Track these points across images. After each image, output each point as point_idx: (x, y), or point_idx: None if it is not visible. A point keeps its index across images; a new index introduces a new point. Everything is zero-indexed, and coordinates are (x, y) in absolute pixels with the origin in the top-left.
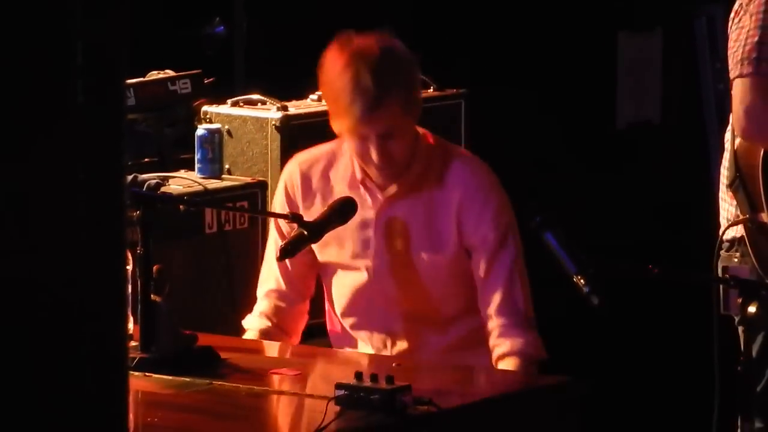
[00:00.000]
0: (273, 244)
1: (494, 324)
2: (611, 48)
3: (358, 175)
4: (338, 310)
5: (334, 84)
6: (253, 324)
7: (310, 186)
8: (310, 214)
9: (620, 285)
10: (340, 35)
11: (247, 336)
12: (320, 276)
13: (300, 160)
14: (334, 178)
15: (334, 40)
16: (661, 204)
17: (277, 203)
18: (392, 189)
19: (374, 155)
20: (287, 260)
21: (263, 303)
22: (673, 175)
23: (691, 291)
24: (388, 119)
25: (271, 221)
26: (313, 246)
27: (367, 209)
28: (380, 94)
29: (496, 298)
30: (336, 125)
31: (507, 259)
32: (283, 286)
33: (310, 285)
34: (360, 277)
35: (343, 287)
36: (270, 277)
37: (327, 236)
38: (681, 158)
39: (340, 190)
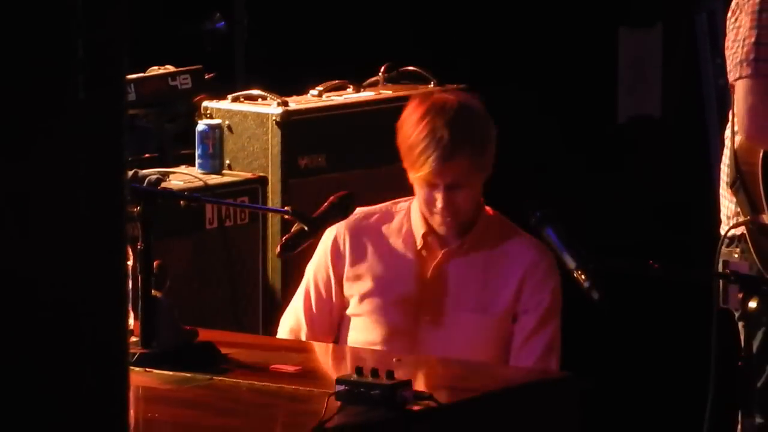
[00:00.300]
0: (302, 293)
1: None
2: (612, 43)
3: (421, 230)
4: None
5: (410, 133)
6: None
7: (361, 239)
8: (359, 269)
9: (620, 281)
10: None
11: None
12: (341, 323)
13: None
14: (387, 232)
15: (413, 97)
16: (661, 199)
17: (320, 253)
18: (452, 246)
19: (439, 203)
20: (313, 305)
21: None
22: (673, 170)
23: (690, 287)
24: (457, 171)
25: (309, 279)
26: (352, 295)
27: (421, 265)
28: (453, 147)
29: (530, 360)
30: (411, 174)
31: (550, 330)
32: (304, 337)
33: (332, 333)
34: (398, 329)
35: (373, 335)
36: (294, 322)
37: (371, 286)
38: (681, 153)
39: (395, 243)
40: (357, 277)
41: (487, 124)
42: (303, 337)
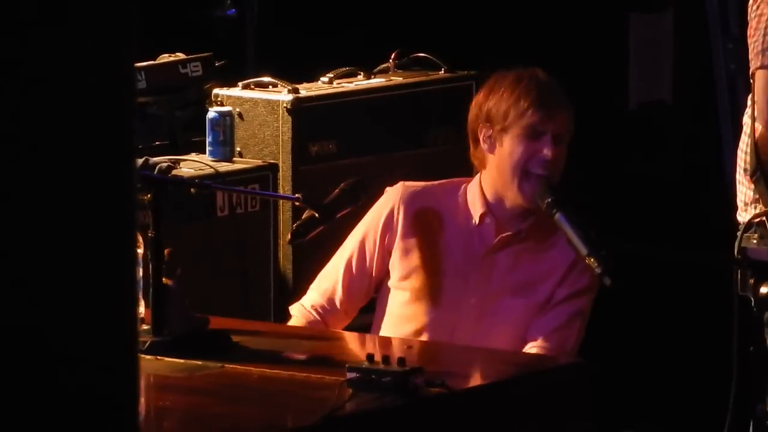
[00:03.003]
0: (349, 250)
1: (534, 345)
2: (623, 28)
3: (480, 210)
4: (392, 331)
5: (507, 95)
6: (299, 312)
7: (416, 213)
8: (409, 243)
9: (637, 266)
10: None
11: (291, 323)
12: (378, 297)
13: (407, 185)
14: (442, 209)
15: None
16: (673, 184)
17: (372, 220)
18: (508, 232)
19: (547, 151)
20: (353, 270)
21: (314, 298)
22: (685, 155)
23: (708, 272)
24: (564, 120)
25: (357, 232)
26: (399, 268)
27: (474, 246)
28: (560, 98)
29: (552, 325)
30: (506, 134)
31: (579, 304)
32: (337, 298)
33: (364, 301)
34: (441, 307)
35: (415, 311)
36: (330, 284)
37: (419, 261)
38: (693, 138)
39: (449, 221)
40: (406, 251)
41: None
42: (336, 301)
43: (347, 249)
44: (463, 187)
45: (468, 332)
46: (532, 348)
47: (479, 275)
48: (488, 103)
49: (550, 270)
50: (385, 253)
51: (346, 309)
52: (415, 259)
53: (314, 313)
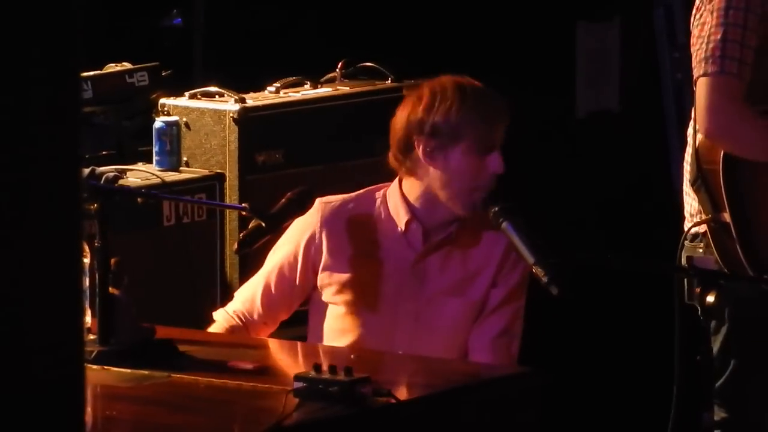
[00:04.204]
0: (269, 267)
1: (478, 354)
2: (570, 38)
3: (405, 216)
4: (331, 344)
5: (453, 110)
6: (222, 318)
7: (338, 227)
8: (337, 257)
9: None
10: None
11: (213, 329)
12: (310, 310)
13: (325, 201)
14: (365, 219)
15: (416, 90)
16: (620, 192)
17: (292, 240)
18: (438, 237)
19: (499, 167)
20: (272, 287)
21: (236, 306)
22: (632, 163)
23: (653, 281)
24: (505, 129)
25: (279, 250)
26: (330, 283)
27: (402, 252)
28: (504, 108)
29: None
30: (451, 149)
31: (513, 309)
32: (255, 311)
33: (285, 315)
34: (377, 317)
35: (352, 323)
36: (250, 294)
37: (350, 274)
38: (640, 146)
39: (374, 230)
40: (335, 266)
41: None
42: (255, 314)
43: (268, 266)
44: (380, 195)
45: (407, 339)
46: (477, 357)
47: (412, 281)
48: (433, 115)
49: (482, 265)
50: (310, 271)
51: (265, 321)
52: (345, 273)
53: (236, 318)
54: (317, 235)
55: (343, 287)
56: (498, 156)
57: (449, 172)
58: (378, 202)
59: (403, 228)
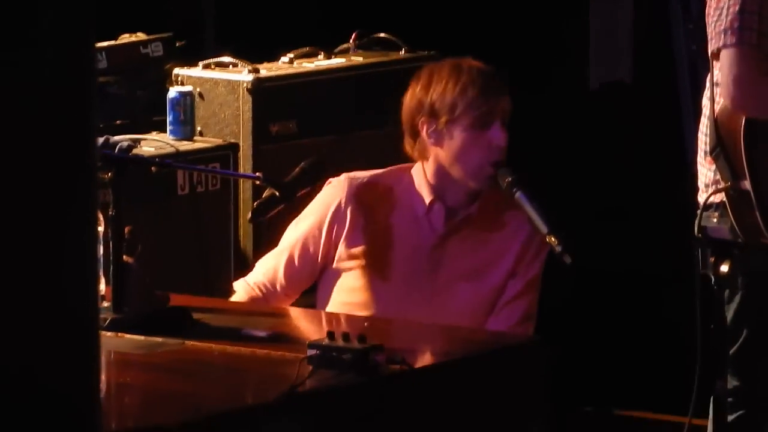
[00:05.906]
0: (293, 240)
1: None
2: (584, 8)
3: (428, 197)
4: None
5: (448, 88)
6: (243, 288)
7: (363, 203)
8: (359, 233)
9: (597, 246)
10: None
11: (234, 299)
12: (321, 282)
13: (352, 177)
14: (390, 197)
15: (416, 74)
16: (633, 163)
17: (317, 212)
18: (458, 218)
19: (501, 140)
20: (296, 259)
21: (257, 277)
22: (646, 135)
23: (670, 252)
24: (508, 103)
25: (302, 222)
26: (348, 257)
27: (424, 232)
28: (502, 83)
29: (510, 322)
30: (454, 125)
31: (532, 298)
32: (278, 282)
33: (306, 287)
34: (392, 294)
35: (366, 298)
36: (272, 266)
37: (370, 250)
38: (654, 117)
39: (397, 209)
40: (355, 242)
41: None
42: (277, 285)
43: (291, 238)
44: (407, 174)
45: (420, 320)
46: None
47: (430, 263)
48: (430, 95)
49: (501, 251)
50: (332, 245)
51: (287, 293)
52: (364, 249)
53: (257, 290)
54: (342, 210)
55: (360, 262)
56: (499, 128)
57: (454, 150)
58: (405, 180)
59: (427, 208)
